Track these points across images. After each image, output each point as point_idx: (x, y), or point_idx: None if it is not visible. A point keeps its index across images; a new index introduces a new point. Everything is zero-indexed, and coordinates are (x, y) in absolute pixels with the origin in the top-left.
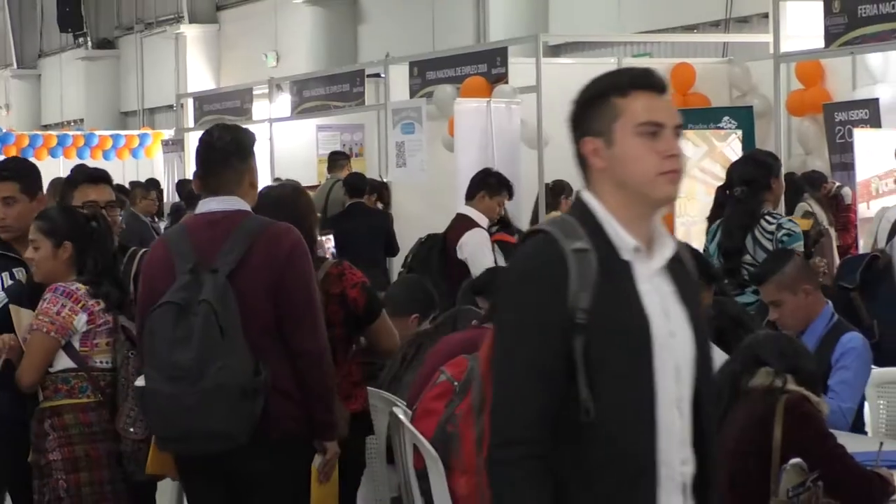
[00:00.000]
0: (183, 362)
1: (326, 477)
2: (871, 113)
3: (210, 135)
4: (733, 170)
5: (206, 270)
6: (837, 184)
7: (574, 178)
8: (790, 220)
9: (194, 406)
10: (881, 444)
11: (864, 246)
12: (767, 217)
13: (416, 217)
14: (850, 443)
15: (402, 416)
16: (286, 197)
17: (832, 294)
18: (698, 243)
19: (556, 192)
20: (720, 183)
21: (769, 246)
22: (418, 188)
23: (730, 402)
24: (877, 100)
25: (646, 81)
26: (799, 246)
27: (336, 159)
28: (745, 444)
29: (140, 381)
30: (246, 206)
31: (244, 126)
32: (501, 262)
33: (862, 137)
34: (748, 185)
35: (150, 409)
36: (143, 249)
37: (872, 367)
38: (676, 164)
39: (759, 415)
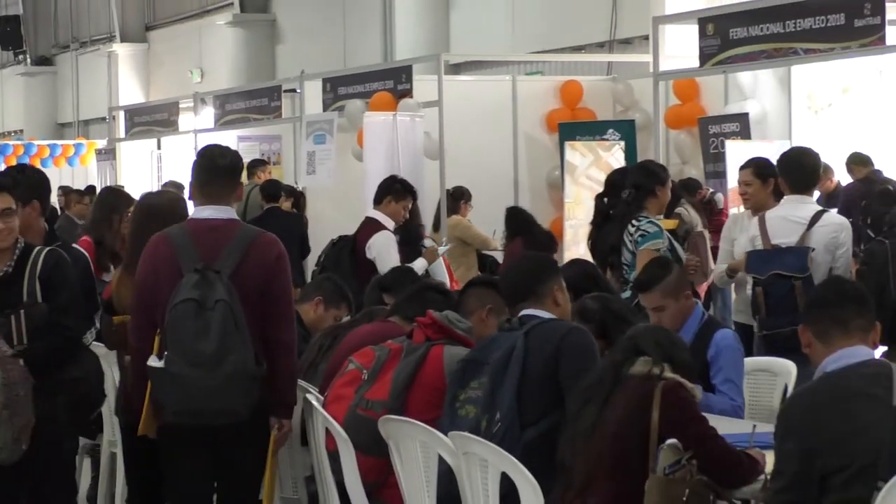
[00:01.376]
0: (205, 351)
1: (279, 445)
2: (741, 126)
3: (212, 153)
4: (622, 175)
5: (211, 271)
6: (711, 190)
7: (472, 185)
8: (649, 222)
9: (214, 388)
10: (754, 426)
11: (723, 249)
12: (633, 220)
13: (328, 220)
14: (727, 425)
15: (314, 402)
16: (161, 206)
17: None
18: (585, 245)
19: (455, 197)
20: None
21: (630, 247)
22: (330, 194)
23: (611, 389)
24: (746, 114)
25: None
26: (653, 245)
27: (254, 167)
28: (626, 426)
29: (155, 363)
30: (236, 216)
31: (172, 137)
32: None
33: (733, 148)
34: (636, 190)
35: (170, 387)
36: (48, 248)
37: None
38: None
39: (638, 399)
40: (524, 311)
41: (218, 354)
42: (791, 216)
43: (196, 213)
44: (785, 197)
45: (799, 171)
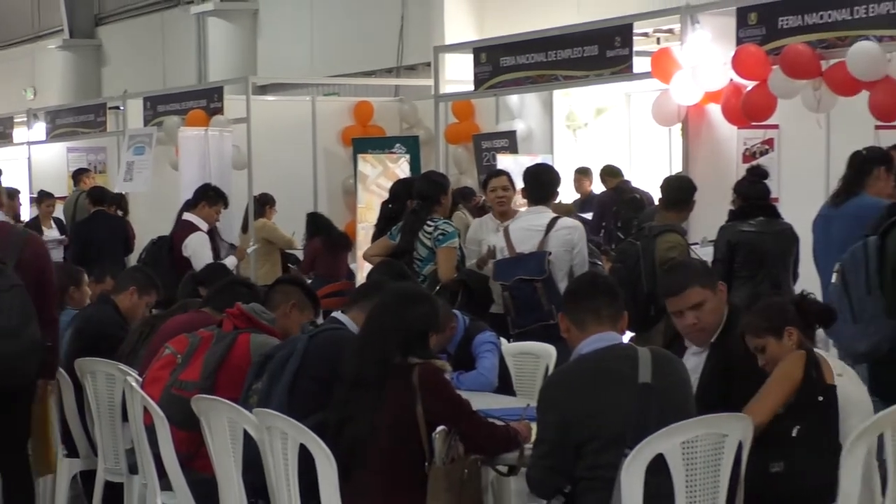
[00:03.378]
0: (7, 325)
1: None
2: (510, 142)
3: None
4: (404, 185)
5: None
6: (484, 197)
7: (277, 192)
8: (445, 223)
9: (18, 355)
10: (528, 404)
11: (470, 250)
12: (428, 222)
13: (148, 222)
14: (504, 401)
15: (133, 384)
16: None
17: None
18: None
19: (262, 202)
20: None
21: (429, 244)
22: (150, 199)
23: (379, 382)
24: (514, 132)
25: None
26: (451, 243)
27: (79, 175)
28: (397, 417)
29: None
30: (5, 218)
31: (7, 148)
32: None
33: (503, 161)
34: (423, 200)
35: None
36: None
37: (512, 341)
38: None
39: (402, 390)
40: (335, 313)
41: (19, 328)
42: (530, 226)
43: None
44: (525, 209)
45: (538, 185)
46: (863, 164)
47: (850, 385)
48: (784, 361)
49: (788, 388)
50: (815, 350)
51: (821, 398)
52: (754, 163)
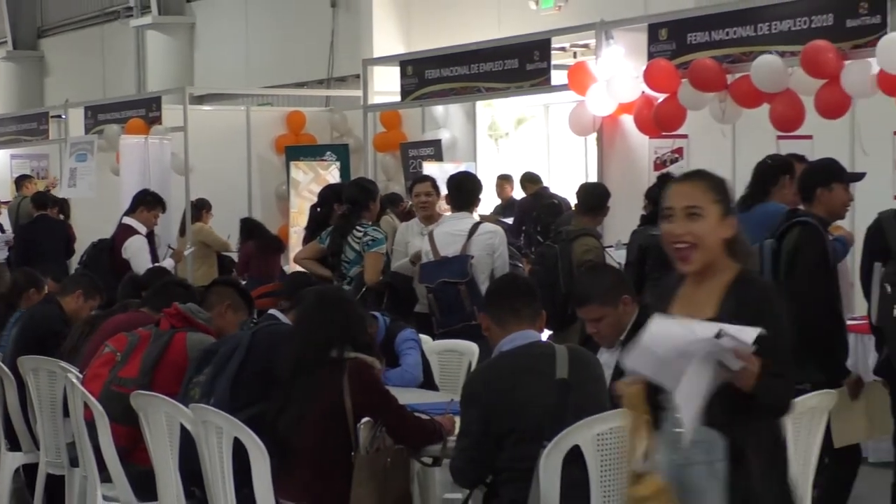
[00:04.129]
0: None
1: None
2: (435, 150)
3: None
4: (332, 190)
5: None
6: (410, 203)
7: (213, 197)
8: (374, 229)
9: None
10: (452, 399)
11: (396, 251)
12: (357, 227)
13: (89, 226)
14: (430, 397)
15: (74, 380)
16: None
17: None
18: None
19: (198, 207)
20: None
21: (358, 248)
22: (92, 203)
23: (316, 371)
24: (440, 140)
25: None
26: (380, 249)
27: (22, 181)
28: (327, 408)
29: None
30: None
31: None
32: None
33: (429, 168)
34: (353, 205)
35: None
36: None
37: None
38: None
39: (333, 382)
40: (271, 310)
41: None
42: (453, 230)
43: None
44: (447, 214)
45: (461, 193)
46: (770, 173)
47: None
48: None
49: None
50: None
51: None
52: (665, 170)
